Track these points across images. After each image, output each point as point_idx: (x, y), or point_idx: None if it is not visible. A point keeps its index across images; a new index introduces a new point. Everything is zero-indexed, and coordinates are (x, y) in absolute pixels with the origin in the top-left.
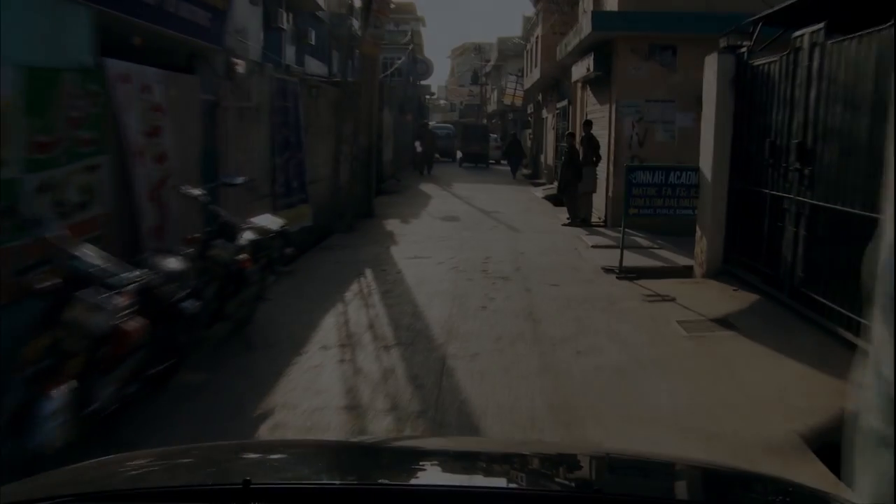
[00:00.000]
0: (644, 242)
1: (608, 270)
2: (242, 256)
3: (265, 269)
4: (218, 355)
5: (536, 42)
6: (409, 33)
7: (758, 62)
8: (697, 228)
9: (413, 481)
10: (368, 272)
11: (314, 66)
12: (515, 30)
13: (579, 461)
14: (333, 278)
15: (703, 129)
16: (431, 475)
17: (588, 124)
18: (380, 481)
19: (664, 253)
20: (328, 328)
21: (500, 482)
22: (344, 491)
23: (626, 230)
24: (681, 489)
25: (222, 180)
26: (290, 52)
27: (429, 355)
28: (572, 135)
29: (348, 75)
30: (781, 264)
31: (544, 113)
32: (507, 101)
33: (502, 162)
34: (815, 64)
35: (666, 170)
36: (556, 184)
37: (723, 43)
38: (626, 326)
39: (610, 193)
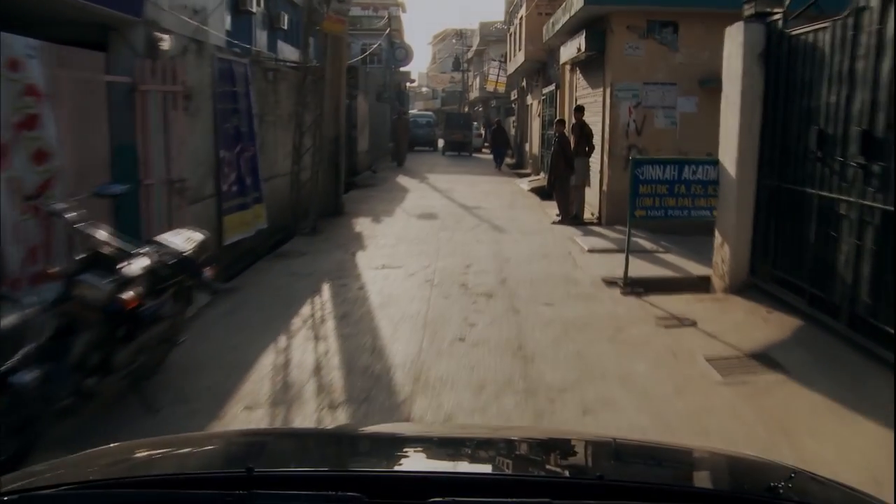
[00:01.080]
0: (647, 244)
1: (610, 283)
2: (130, 294)
3: (174, 303)
4: (104, 423)
5: (520, 24)
6: (386, 15)
7: (797, 31)
8: (717, 233)
9: (417, 467)
10: (326, 288)
11: (288, 52)
12: (498, 15)
13: (581, 447)
14: (282, 297)
15: (725, 113)
16: (432, 462)
17: (579, 110)
18: (384, 468)
19: (671, 258)
20: (262, 374)
21: (503, 468)
22: (347, 477)
23: (624, 228)
24: (684, 476)
25: (94, 191)
26: (261, 38)
27: (387, 417)
28: (562, 122)
29: (313, 57)
30: (836, 284)
31: (529, 99)
32: (490, 87)
33: (484, 150)
34: (890, 27)
35: (679, 163)
36: (542, 175)
37: (748, 10)
38: (642, 366)
39: (605, 187)
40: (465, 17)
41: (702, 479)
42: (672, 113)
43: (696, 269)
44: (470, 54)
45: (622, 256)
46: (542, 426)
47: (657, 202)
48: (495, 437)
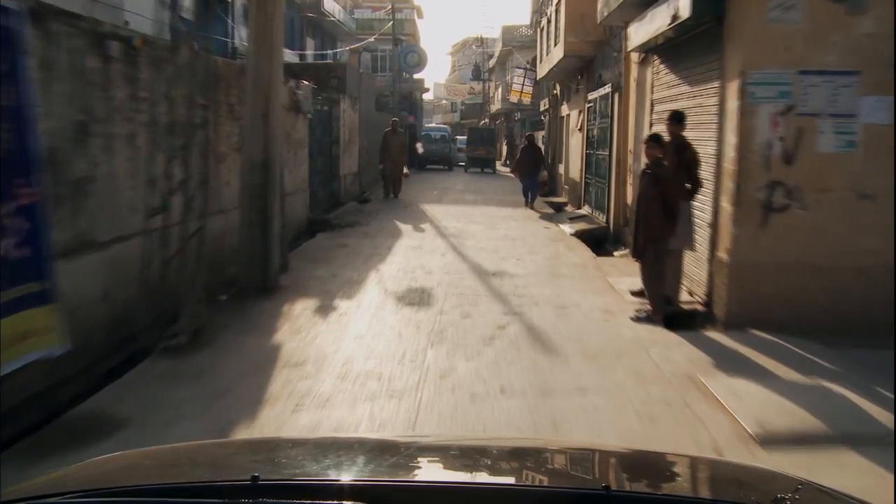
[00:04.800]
0: (843, 392)
1: None
2: None
3: None
4: None
5: (557, 10)
6: (390, 6)
7: None
8: None
9: (423, 477)
10: None
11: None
12: (521, 20)
13: (587, 458)
14: None
15: None
16: (438, 471)
17: (677, 119)
18: (389, 477)
19: None
20: None
21: (508, 479)
22: (351, 487)
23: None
24: (690, 486)
25: None
26: (244, 34)
27: None
28: (658, 140)
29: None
30: None
31: (565, 109)
32: (514, 98)
33: (503, 168)
34: None
35: None
36: (587, 209)
37: None
38: None
39: (723, 254)
40: (486, 24)
41: (708, 490)
42: (850, 125)
43: None
44: (492, 62)
45: (851, 460)
46: (547, 437)
47: None
48: (501, 447)
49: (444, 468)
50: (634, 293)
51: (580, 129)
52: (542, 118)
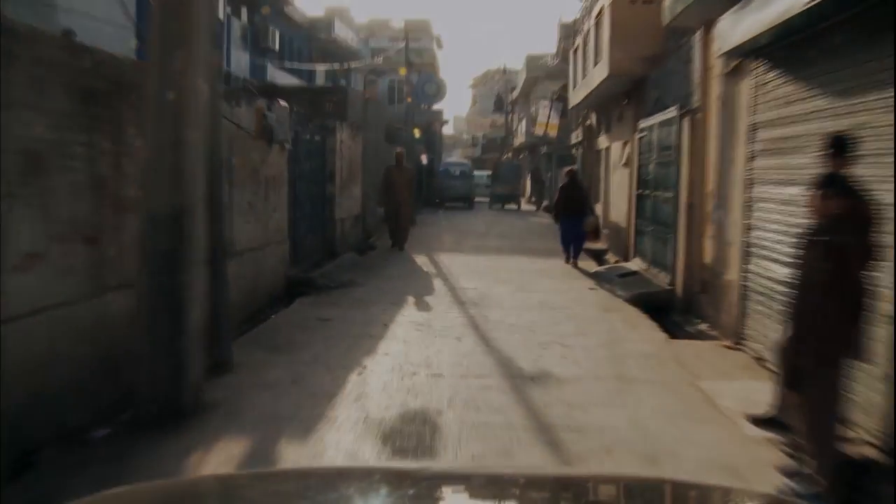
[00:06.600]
0: None
1: None
2: None
3: None
4: None
5: (597, 24)
6: (404, 29)
7: None
8: None
9: None
10: None
11: (282, 79)
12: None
13: (605, 486)
14: None
15: None
16: (452, 502)
17: (840, 147)
18: None
19: None
20: None
21: None
22: None
23: None
24: None
25: None
26: (241, 59)
27: None
28: (841, 183)
29: None
30: None
31: (603, 141)
32: (539, 131)
33: (530, 204)
34: None
35: None
36: (636, 262)
37: None
38: None
39: None
40: (509, 55)
41: None
42: None
43: None
44: (515, 93)
45: None
46: (561, 467)
47: None
48: (519, 476)
49: (460, 499)
50: (757, 421)
51: (626, 165)
52: (573, 152)
